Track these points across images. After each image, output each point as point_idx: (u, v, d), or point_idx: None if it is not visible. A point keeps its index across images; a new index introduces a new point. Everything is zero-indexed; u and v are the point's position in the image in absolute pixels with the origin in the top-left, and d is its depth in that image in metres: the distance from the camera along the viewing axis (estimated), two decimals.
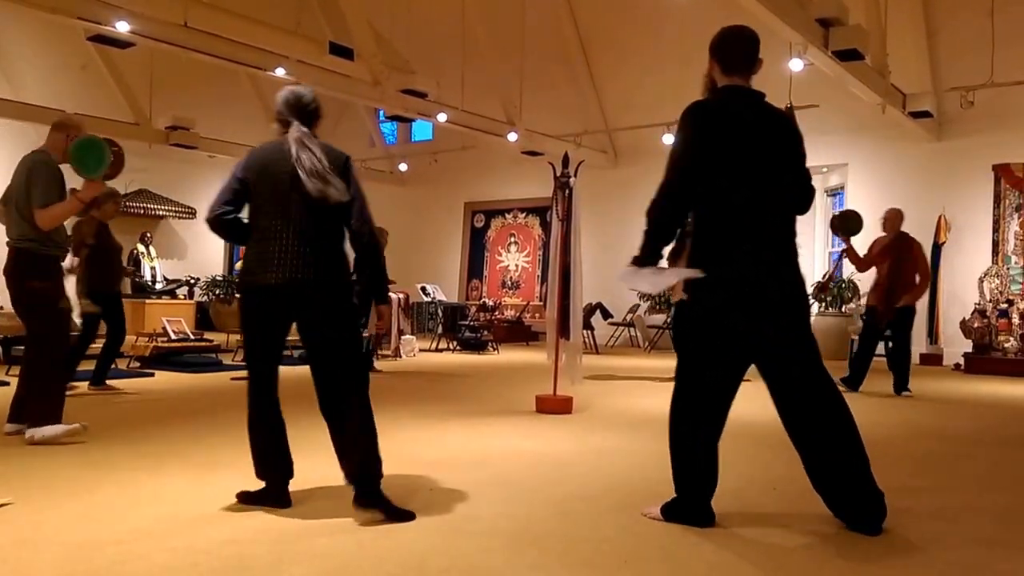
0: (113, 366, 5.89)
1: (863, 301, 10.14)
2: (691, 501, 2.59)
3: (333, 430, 2.64)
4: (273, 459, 2.72)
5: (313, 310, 2.63)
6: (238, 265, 14.97)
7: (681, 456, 2.62)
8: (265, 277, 2.61)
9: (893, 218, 6.49)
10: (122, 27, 7.71)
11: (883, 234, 6.63)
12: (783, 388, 2.60)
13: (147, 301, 11.92)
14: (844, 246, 6.75)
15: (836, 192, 11.67)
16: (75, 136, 3.87)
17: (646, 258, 2.57)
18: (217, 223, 2.71)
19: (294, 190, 2.60)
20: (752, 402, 5.55)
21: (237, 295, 2.50)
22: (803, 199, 2.71)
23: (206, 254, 14.64)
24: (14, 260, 3.72)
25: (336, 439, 2.64)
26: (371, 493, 2.56)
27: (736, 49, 2.66)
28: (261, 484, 2.73)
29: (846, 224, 6.85)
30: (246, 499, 2.70)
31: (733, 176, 2.53)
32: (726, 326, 2.54)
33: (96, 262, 5.40)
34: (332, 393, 2.64)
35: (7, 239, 3.73)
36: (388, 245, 7.00)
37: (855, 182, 11.03)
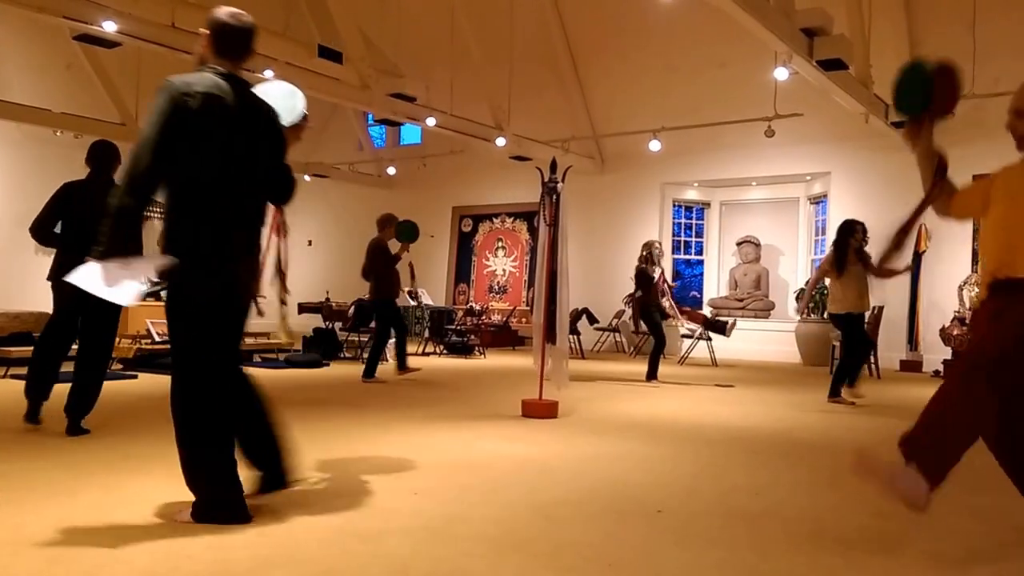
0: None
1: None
2: (230, 497, 2.52)
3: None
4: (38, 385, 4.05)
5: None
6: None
7: (217, 450, 2.54)
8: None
9: None
10: (109, 27, 7.66)
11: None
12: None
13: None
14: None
15: (819, 200, 11.79)
16: None
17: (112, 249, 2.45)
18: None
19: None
20: (736, 409, 5.59)
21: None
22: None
23: None
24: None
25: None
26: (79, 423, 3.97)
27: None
28: None
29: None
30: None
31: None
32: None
33: (380, 274, 6.93)
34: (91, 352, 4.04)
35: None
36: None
37: (838, 190, 11.15)
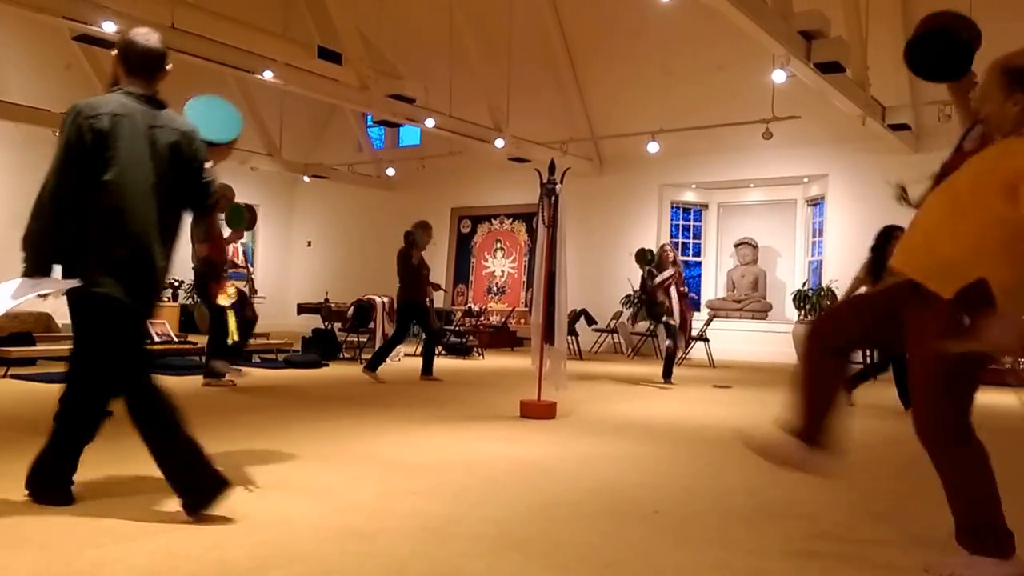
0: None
1: None
2: (212, 476, 2.63)
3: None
4: None
5: None
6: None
7: (184, 436, 2.65)
8: None
9: None
10: (108, 27, 7.67)
11: None
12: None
13: None
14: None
15: (816, 202, 11.83)
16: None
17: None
18: None
19: None
20: (733, 410, 5.59)
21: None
22: None
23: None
24: None
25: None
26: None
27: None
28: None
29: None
30: None
31: None
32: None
33: (401, 279, 7.29)
34: None
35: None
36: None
37: (835, 192, 11.19)
